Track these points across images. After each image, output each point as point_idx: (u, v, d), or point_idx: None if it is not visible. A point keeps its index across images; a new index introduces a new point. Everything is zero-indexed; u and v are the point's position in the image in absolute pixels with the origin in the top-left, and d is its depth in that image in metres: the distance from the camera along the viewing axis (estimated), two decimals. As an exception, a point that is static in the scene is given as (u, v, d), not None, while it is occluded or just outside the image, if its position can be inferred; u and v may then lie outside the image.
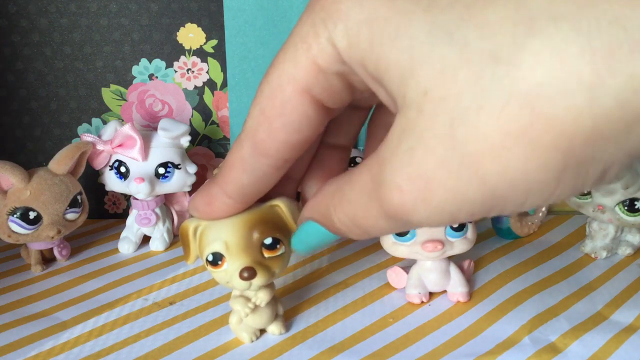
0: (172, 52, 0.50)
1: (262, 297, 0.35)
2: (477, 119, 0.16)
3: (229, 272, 0.31)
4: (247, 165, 0.25)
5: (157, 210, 0.48)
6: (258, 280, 0.31)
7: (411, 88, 0.18)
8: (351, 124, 0.28)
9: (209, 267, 0.32)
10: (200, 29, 0.49)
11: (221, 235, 0.30)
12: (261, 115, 0.24)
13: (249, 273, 0.31)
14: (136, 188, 0.46)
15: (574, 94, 0.15)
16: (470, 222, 0.38)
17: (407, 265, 0.41)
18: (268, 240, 0.31)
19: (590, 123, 0.15)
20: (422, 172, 0.18)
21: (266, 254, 0.32)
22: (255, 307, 0.35)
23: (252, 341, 0.36)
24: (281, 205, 0.30)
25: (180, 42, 0.50)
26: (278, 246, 0.32)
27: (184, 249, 0.33)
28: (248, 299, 0.35)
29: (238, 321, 0.36)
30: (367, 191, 0.21)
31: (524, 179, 0.17)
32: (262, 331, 0.37)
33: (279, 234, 0.31)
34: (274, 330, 0.37)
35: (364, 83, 0.21)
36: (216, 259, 0.31)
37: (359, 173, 0.22)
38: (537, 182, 0.17)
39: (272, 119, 0.23)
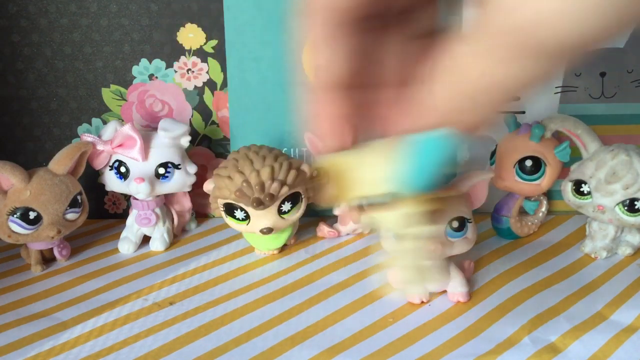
0: (172, 52, 0.50)
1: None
2: None
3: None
4: (326, 38, 0.23)
5: (157, 211, 0.48)
6: None
7: None
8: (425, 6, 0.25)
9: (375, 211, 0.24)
10: (200, 29, 0.49)
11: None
12: None
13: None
14: (136, 188, 0.46)
15: None
16: (470, 222, 0.38)
17: (407, 265, 0.41)
18: None
19: None
20: None
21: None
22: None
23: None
24: None
25: (180, 42, 0.50)
26: None
27: (332, 190, 0.24)
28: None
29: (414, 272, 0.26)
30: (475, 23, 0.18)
31: None
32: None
33: None
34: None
35: None
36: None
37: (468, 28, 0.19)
38: None
39: None
